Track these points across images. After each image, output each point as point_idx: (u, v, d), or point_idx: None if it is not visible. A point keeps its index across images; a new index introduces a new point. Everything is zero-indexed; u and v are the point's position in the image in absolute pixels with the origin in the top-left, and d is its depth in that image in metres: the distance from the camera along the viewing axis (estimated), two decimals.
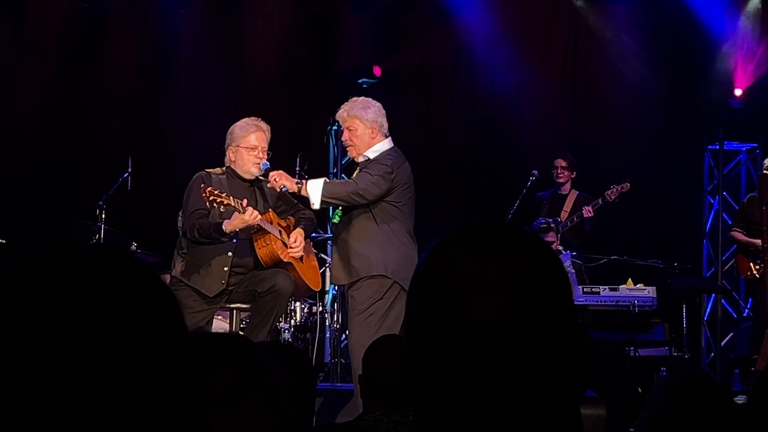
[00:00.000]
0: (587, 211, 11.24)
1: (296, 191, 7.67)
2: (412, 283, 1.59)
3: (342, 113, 7.88)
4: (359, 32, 12.97)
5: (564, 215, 11.44)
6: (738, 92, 12.77)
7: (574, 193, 11.67)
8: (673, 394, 2.89)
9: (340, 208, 7.80)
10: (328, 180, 7.99)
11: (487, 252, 1.54)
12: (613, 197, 11.30)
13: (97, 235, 10.06)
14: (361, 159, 7.82)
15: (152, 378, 1.40)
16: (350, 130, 7.82)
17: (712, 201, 13.01)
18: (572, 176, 11.71)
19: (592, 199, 11.40)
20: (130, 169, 10.45)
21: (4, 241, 9.84)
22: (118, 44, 12.50)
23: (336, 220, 7.85)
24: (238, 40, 12.86)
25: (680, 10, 12.65)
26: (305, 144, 11.02)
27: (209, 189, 7.32)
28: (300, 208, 8.03)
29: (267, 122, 7.91)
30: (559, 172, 11.69)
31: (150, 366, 1.40)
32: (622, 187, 11.31)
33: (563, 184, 11.71)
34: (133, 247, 10.19)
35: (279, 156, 7.92)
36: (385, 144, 7.84)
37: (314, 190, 7.61)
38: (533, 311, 1.51)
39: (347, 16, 12.97)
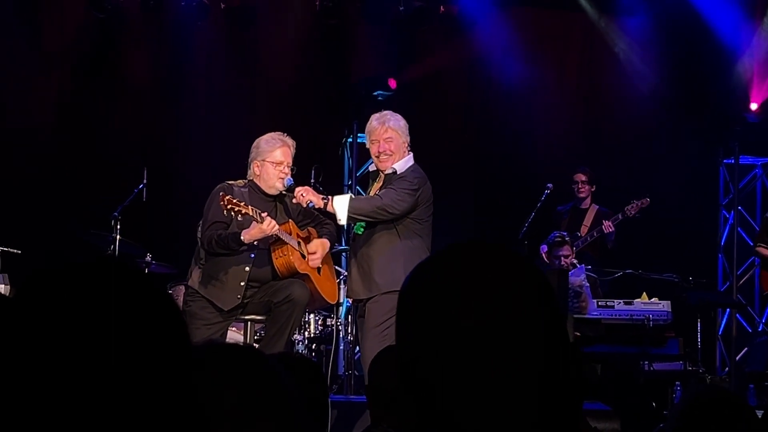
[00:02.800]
0: (608, 227, 11.19)
1: (322, 207, 7.69)
2: (400, 297, 1.68)
3: (377, 125, 7.88)
4: (374, 44, 12.98)
5: (584, 230, 11.41)
6: (754, 106, 12.75)
7: (594, 208, 11.64)
8: (698, 409, 2.88)
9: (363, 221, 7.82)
10: (354, 196, 8.01)
11: (470, 266, 1.62)
12: (633, 212, 11.25)
13: (112, 246, 10.08)
14: (388, 171, 7.83)
15: (154, 389, 1.40)
16: (389, 141, 7.83)
17: (727, 215, 12.98)
18: (592, 190, 11.69)
19: (612, 213, 11.36)
20: (145, 180, 10.46)
21: (19, 252, 9.86)
22: (133, 55, 12.53)
23: (359, 231, 7.84)
24: (253, 51, 12.87)
25: (695, 23, 12.63)
26: (320, 156, 11.02)
27: (228, 197, 7.31)
28: (322, 219, 8.03)
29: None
30: (580, 186, 11.66)
31: (151, 378, 1.40)
32: (642, 203, 11.25)
33: (584, 198, 11.69)
34: (148, 258, 10.20)
35: (296, 169, 7.92)
36: (410, 159, 7.90)
37: (341, 206, 7.62)
38: (516, 320, 1.57)
39: (363, 28, 12.99)
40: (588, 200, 11.70)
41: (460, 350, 1.55)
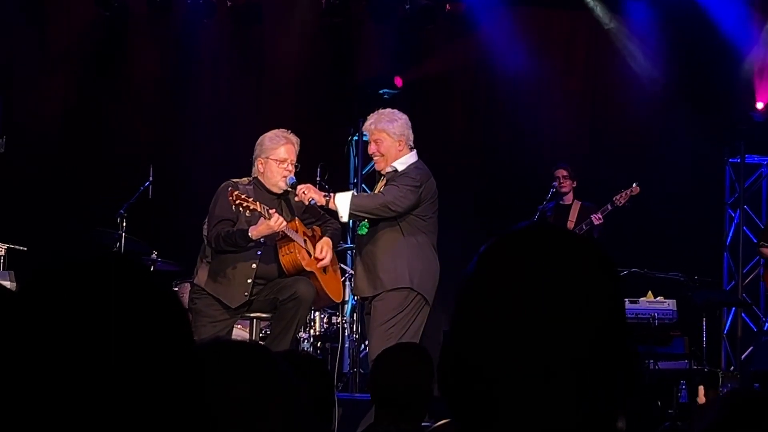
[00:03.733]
0: (597, 218, 11.08)
1: (324, 204, 7.68)
2: (461, 284, 1.60)
3: (369, 125, 7.90)
4: (380, 43, 12.98)
5: (570, 225, 11.33)
6: (760, 105, 12.73)
7: (577, 203, 11.55)
8: (738, 407, 2.87)
9: (367, 219, 7.80)
10: (356, 193, 7.99)
11: (536, 255, 1.55)
12: (623, 201, 11.14)
13: (118, 244, 10.09)
14: (388, 170, 7.82)
15: (157, 387, 1.40)
16: (377, 142, 7.83)
17: (732, 214, 12.97)
18: (574, 185, 11.60)
19: (595, 207, 11.27)
20: (151, 178, 10.48)
21: (25, 249, 9.87)
22: (139, 53, 12.54)
23: (363, 231, 7.83)
24: (259, 49, 12.88)
25: (701, 22, 12.62)
26: (326, 154, 11.02)
27: (236, 193, 7.31)
28: (327, 218, 8.02)
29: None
30: (561, 181, 11.55)
31: (155, 376, 1.40)
32: (631, 190, 11.14)
33: (566, 194, 11.59)
34: (154, 256, 10.22)
35: (300, 166, 7.92)
36: (412, 156, 7.85)
37: (342, 203, 7.61)
38: (582, 315, 1.52)
39: (368, 26, 12.99)
40: (570, 195, 11.57)
41: (521, 342, 1.50)
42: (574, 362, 1.51)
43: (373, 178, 8.38)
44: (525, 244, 1.58)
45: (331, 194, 7.70)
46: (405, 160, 7.81)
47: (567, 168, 11.62)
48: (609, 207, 11.15)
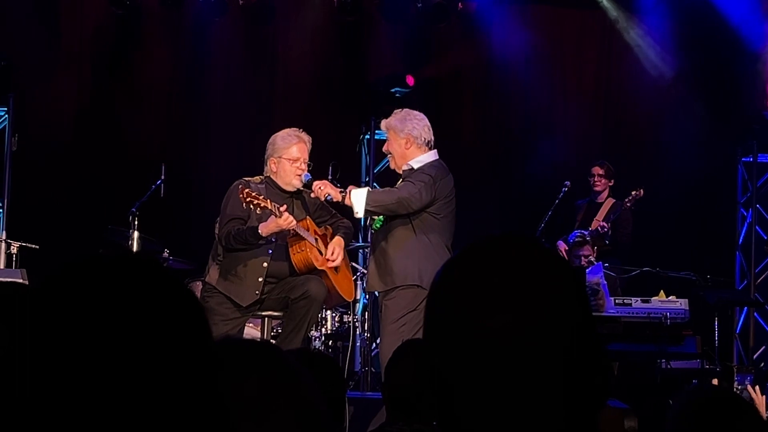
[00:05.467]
0: (602, 227, 11.19)
1: (340, 200, 7.68)
2: (429, 294, 1.62)
3: (383, 123, 7.97)
4: (392, 41, 12.98)
5: (595, 224, 11.38)
6: None
7: (609, 202, 11.62)
8: (699, 409, 2.86)
9: (381, 215, 7.81)
10: (371, 189, 8.00)
11: (503, 263, 1.57)
12: (628, 205, 11.28)
13: (130, 242, 10.10)
14: (405, 168, 7.83)
15: (177, 387, 1.40)
16: (388, 142, 7.89)
17: (745, 213, 12.94)
18: (609, 184, 11.66)
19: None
20: (163, 177, 10.49)
21: (37, 247, 9.89)
22: (151, 52, 12.56)
23: (377, 226, 7.84)
24: (271, 48, 12.89)
25: (715, 22, 12.59)
26: (338, 153, 11.02)
27: (247, 191, 7.32)
28: (339, 217, 8.03)
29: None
30: (596, 180, 11.63)
31: (174, 375, 1.40)
32: (637, 193, 11.26)
33: (600, 192, 11.66)
34: (166, 254, 10.23)
35: (312, 164, 7.93)
36: (430, 155, 7.85)
37: (358, 199, 7.62)
38: (548, 321, 1.52)
39: (380, 25, 12.98)
40: (604, 194, 11.66)
41: (485, 350, 1.51)
42: (548, 368, 1.51)
43: (385, 176, 8.38)
44: (490, 252, 1.59)
45: (347, 190, 7.71)
46: (422, 159, 7.82)
47: (604, 166, 11.69)
48: (618, 210, 11.24)
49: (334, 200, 7.69)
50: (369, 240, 8.88)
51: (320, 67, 12.88)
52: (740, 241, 12.92)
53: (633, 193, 11.27)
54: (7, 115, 11.44)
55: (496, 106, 13.27)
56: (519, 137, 12.99)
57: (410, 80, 12.26)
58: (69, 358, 1.37)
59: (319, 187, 7.63)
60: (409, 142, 7.80)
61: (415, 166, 7.79)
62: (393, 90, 12.21)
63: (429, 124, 7.91)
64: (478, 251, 1.60)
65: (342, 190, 7.71)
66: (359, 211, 7.64)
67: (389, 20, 12.88)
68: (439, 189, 7.71)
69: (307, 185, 7.71)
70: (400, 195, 7.63)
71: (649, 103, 13.01)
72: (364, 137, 12.34)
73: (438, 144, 8.02)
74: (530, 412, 1.51)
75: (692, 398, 2.90)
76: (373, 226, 7.94)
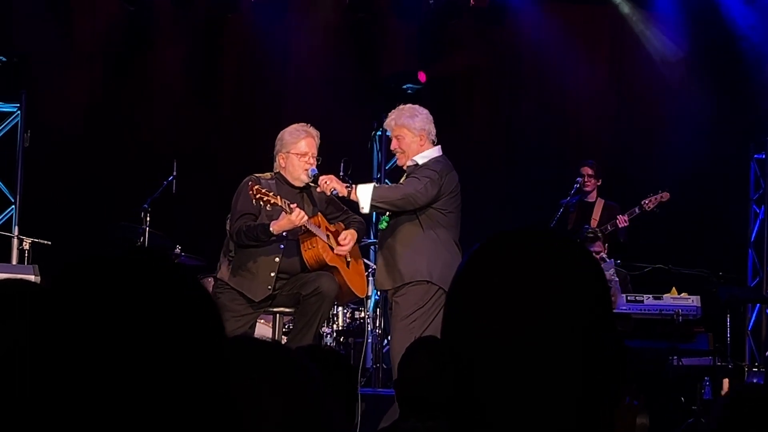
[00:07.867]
0: (622, 221, 11.08)
1: (346, 195, 7.68)
2: (452, 285, 1.62)
3: (390, 122, 7.91)
4: (404, 38, 12.98)
5: (594, 223, 11.32)
6: None
7: (600, 201, 11.54)
8: (740, 407, 2.85)
9: (388, 214, 7.80)
10: (377, 185, 7.99)
11: (527, 256, 1.57)
12: (651, 206, 11.13)
13: (142, 238, 10.12)
14: (409, 164, 7.82)
15: (189, 384, 1.40)
16: (398, 138, 7.85)
17: (757, 210, 12.91)
18: (598, 184, 11.59)
19: (619, 207, 11.29)
20: (174, 173, 10.50)
21: (49, 243, 9.91)
22: (163, 48, 12.57)
23: (383, 225, 7.84)
24: (283, 45, 12.88)
25: (728, 17, 12.57)
26: (349, 149, 11.02)
27: (257, 187, 7.33)
28: (350, 213, 8.03)
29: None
30: (586, 180, 11.54)
31: (187, 371, 1.40)
32: (661, 197, 11.12)
33: (590, 192, 11.59)
34: (177, 250, 10.24)
35: (323, 161, 7.93)
36: (434, 151, 7.86)
37: (364, 194, 7.62)
38: (571, 316, 1.53)
39: (392, 21, 12.98)
40: (594, 193, 11.59)
41: (506, 342, 1.52)
42: (566, 360, 1.52)
43: (396, 173, 8.38)
44: (516, 244, 1.61)
45: (353, 185, 7.70)
46: (427, 154, 7.82)
47: (593, 166, 11.60)
48: (637, 210, 11.12)
49: (340, 195, 7.70)
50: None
51: (332, 63, 12.88)
52: (752, 238, 12.89)
53: (657, 196, 11.11)
54: (19, 112, 11.47)
55: (508, 102, 13.26)
56: (531, 134, 12.98)
57: (422, 77, 12.26)
58: (80, 355, 1.37)
59: (325, 182, 7.63)
60: (423, 138, 7.81)
61: (420, 162, 7.79)
62: (405, 86, 12.22)
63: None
64: (502, 244, 1.61)
65: (348, 185, 7.71)
66: (365, 207, 7.64)
67: (401, 17, 12.88)
68: (444, 184, 7.70)
69: (314, 180, 7.70)
70: (406, 191, 7.63)
71: (662, 100, 12.99)
72: (375, 134, 12.34)
73: (449, 140, 8.03)
74: (547, 405, 1.52)
75: (735, 396, 2.89)
76: (379, 226, 7.94)
